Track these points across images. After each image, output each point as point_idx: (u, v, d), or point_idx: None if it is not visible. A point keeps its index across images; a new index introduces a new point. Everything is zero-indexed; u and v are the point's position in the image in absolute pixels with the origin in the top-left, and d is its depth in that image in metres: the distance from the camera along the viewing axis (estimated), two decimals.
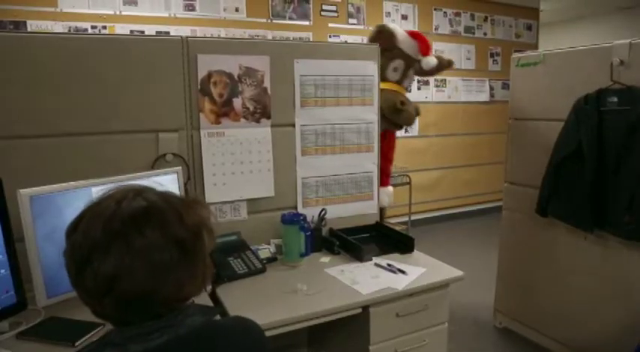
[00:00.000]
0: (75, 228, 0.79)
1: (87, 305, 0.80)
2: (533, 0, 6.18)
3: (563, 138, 2.38)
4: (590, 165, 2.23)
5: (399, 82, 2.85)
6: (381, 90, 2.44)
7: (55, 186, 1.46)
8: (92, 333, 1.40)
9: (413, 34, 2.93)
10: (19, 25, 3.63)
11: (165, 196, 0.84)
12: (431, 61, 2.87)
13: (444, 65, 3.00)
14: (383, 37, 2.81)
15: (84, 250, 0.75)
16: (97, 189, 1.54)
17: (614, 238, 2.25)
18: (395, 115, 2.78)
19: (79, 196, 1.50)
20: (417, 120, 3.11)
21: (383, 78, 2.66)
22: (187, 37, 1.95)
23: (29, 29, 3.63)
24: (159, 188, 0.87)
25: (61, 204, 1.46)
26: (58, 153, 1.75)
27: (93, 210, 0.80)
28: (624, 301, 2.26)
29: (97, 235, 0.75)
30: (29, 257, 1.40)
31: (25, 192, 1.38)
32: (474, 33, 5.84)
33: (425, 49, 2.89)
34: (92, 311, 0.80)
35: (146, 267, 0.75)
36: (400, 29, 2.95)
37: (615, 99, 2.17)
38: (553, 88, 2.56)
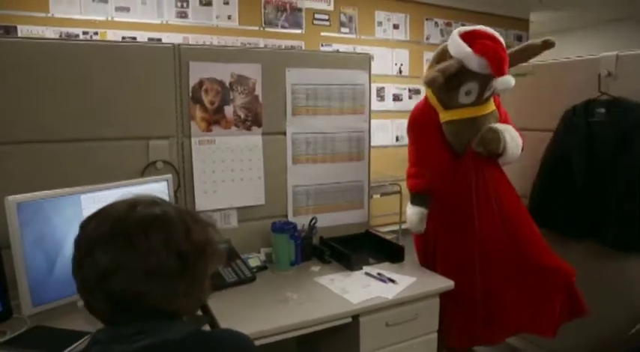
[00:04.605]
0: (88, 222, 0.84)
1: (81, 297, 0.83)
2: (524, 11, 6.27)
3: (552, 149, 2.40)
4: (579, 176, 2.25)
5: (474, 104, 2.19)
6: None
7: (43, 192, 1.44)
8: (78, 343, 1.37)
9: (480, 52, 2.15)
10: (10, 30, 3.61)
11: (180, 211, 0.87)
12: (508, 81, 2.11)
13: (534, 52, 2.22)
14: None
15: (90, 242, 0.80)
16: (85, 197, 1.52)
17: None
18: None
19: (67, 203, 1.48)
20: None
21: (452, 105, 2.14)
22: (179, 44, 1.95)
23: (20, 34, 3.61)
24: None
25: (49, 211, 1.44)
26: (47, 159, 1.73)
27: (108, 210, 0.84)
28: (624, 304, 2.26)
29: (104, 230, 0.80)
30: (15, 264, 1.37)
31: (12, 198, 1.37)
32: None
33: (497, 70, 2.10)
34: (85, 304, 0.83)
35: (142, 269, 0.78)
36: (464, 47, 2.17)
37: (603, 110, 2.20)
38: (542, 99, 2.58)
